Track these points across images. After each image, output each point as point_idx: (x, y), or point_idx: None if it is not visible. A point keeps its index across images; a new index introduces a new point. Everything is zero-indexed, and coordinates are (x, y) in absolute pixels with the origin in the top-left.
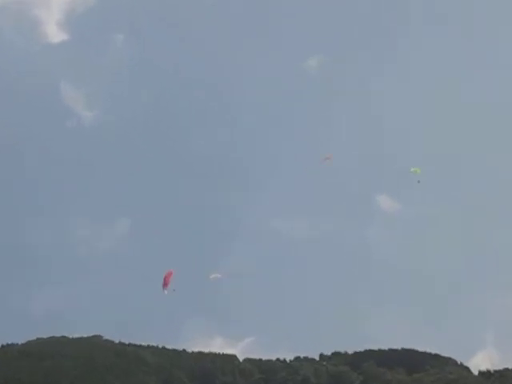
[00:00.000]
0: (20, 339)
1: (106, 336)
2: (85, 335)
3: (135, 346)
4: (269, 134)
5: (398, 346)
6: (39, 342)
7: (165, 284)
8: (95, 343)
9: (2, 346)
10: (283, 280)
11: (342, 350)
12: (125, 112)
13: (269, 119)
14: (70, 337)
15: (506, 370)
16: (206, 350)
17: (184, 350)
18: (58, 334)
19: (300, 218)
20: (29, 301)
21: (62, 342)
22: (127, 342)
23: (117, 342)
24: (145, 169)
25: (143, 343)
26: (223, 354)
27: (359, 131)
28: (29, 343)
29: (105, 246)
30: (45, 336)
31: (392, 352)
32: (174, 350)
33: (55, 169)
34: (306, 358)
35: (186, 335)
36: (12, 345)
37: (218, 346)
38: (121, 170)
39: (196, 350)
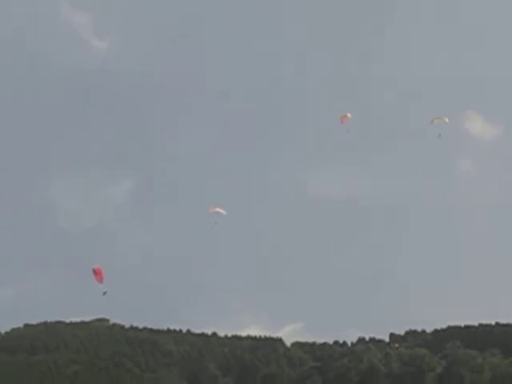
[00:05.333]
0: (2, 326)
1: (114, 319)
2: (86, 319)
3: (151, 331)
4: None
5: (490, 320)
6: (27, 331)
7: (99, 278)
8: (100, 329)
9: None
10: (333, 246)
11: (419, 328)
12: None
13: None
14: (67, 321)
15: None
16: (244, 333)
17: (215, 334)
18: (50, 319)
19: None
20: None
21: (57, 329)
22: (141, 327)
23: (128, 326)
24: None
25: (162, 327)
26: (266, 338)
27: None
28: (13, 332)
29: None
30: (33, 322)
31: (483, 329)
32: (203, 335)
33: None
34: (372, 340)
35: (211, 319)
36: None
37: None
38: None
39: (230, 333)
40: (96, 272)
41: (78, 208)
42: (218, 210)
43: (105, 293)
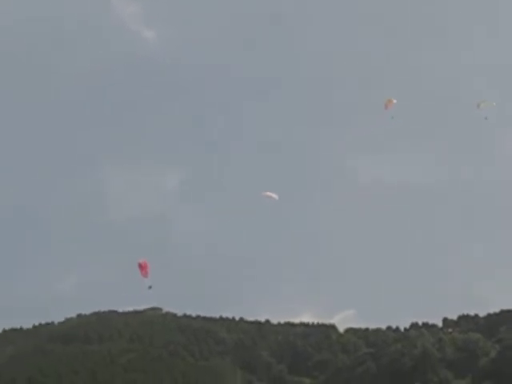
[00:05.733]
0: (55, 316)
1: (167, 308)
2: (139, 308)
3: (204, 319)
4: None
5: None
6: (81, 321)
7: (144, 272)
8: (153, 318)
9: (34, 326)
10: (384, 231)
11: (472, 312)
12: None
13: None
14: (120, 311)
15: None
16: (296, 321)
17: (268, 322)
18: (103, 309)
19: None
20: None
21: (110, 318)
22: (194, 315)
23: (180, 314)
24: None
25: (214, 315)
26: (318, 325)
27: None
28: (67, 322)
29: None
30: (87, 312)
31: None
32: (255, 323)
33: None
34: (425, 325)
35: (264, 307)
36: (46, 325)
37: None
38: None
39: (283, 320)
40: (141, 266)
41: (129, 198)
42: (269, 194)
43: (150, 287)
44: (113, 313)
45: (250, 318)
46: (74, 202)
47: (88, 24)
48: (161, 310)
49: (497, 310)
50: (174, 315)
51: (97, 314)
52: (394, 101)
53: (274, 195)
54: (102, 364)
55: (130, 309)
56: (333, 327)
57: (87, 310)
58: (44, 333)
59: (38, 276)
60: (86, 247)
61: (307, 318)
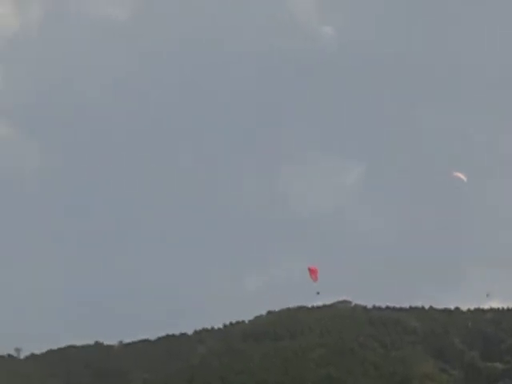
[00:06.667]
0: (245, 315)
1: (356, 300)
2: (327, 302)
3: (393, 309)
4: None
5: None
6: (270, 318)
7: (314, 277)
8: (343, 311)
9: (225, 325)
10: None
11: None
12: None
13: None
14: (309, 306)
15: None
16: (486, 307)
17: (458, 309)
18: (292, 305)
19: None
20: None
21: (300, 314)
22: (383, 306)
23: (370, 306)
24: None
25: (404, 305)
26: (509, 309)
27: None
28: (257, 320)
29: None
30: (276, 308)
31: None
32: (445, 311)
33: None
34: None
35: (453, 294)
36: (236, 324)
37: None
38: None
39: (472, 307)
40: (311, 271)
41: (309, 193)
42: (459, 175)
43: (318, 293)
44: (302, 308)
45: (439, 306)
46: (259, 201)
47: (257, 19)
48: (350, 302)
49: None
50: (364, 307)
51: (286, 311)
52: None
53: (463, 176)
54: (294, 360)
55: (320, 303)
56: None
57: (276, 307)
58: (235, 332)
59: (227, 275)
60: (273, 244)
61: (496, 304)
